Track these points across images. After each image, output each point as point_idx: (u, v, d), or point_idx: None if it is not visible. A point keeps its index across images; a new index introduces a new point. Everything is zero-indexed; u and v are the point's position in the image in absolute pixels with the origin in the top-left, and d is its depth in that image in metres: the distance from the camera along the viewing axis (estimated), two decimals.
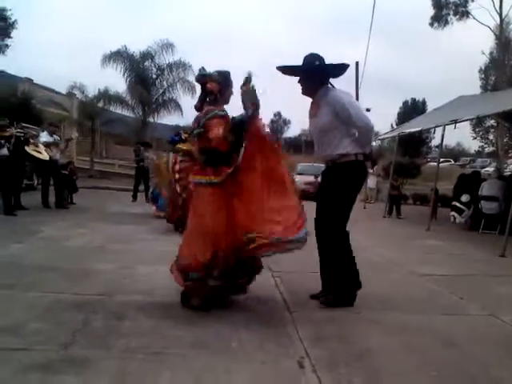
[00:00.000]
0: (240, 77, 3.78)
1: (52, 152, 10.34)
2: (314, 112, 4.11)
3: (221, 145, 3.62)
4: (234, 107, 3.79)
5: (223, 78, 3.82)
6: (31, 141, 9.77)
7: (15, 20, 22.80)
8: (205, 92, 3.84)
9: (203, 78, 3.82)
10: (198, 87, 3.91)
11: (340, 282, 3.94)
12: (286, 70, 4.17)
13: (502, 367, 2.84)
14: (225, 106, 3.85)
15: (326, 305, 3.89)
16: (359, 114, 3.94)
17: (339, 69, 4.15)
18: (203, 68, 3.88)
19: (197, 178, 3.78)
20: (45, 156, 9.97)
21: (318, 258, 4.07)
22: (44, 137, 10.47)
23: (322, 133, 4.05)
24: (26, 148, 9.49)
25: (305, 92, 4.14)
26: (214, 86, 3.75)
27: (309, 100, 4.17)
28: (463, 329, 3.55)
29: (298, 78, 4.12)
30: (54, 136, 10.87)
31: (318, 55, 4.07)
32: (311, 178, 19.87)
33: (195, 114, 3.87)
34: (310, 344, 3.04)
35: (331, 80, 4.13)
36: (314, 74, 4.03)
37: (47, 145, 10.26)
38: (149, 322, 3.32)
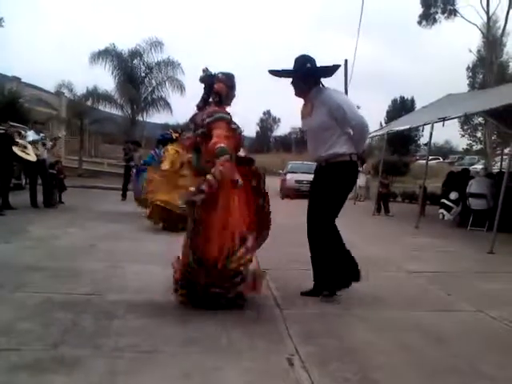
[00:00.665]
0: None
1: (39, 150, 10.28)
2: (307, 112, 4.13)
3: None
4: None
5: (229, 80, 3.89)
6: (19, 141, 9.68)
7: (1, 18, 22.48)
8: (209, 92, 3.89)
9: (211, 78, 3.88)
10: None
11: (332, 275, 3.98)
12: (278, 74, 4.24)
13: (490, 362, 2.87)
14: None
15: (326, 301, 3.94)
16: (354, 113, 3.99)
17: (330, 71, 4.22)
18: (207, 68, 3.95)
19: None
20: (32, 157, 9.90)
21: (310, 255, 4.11)
22: (31, 135, 10.41)
23: (316, 132, 4.08)
24: (14, 149, 9.41)
25: (297, 93, 4.19)
26: (222, 88, 3.82)
27: (298, 98, 4.20)
28: (452, 325, 3.58)
29: (290, 78, 4.17)
30: (41, 134, 10.79)
31: (309, 57, 4.11)
32: (302, 176, 19.99)
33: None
34: (300, 341, 3.05)
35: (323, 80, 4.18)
36: (306, 77, 4.08)
37: (34, 143, 10.19)
38: (138, 321, 3.31)
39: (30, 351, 2.69)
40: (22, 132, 10.80)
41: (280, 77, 4.29)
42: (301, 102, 4.24)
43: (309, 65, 4.08)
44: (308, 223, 4.11)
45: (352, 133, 4.01)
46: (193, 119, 3.92)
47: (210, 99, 3.90)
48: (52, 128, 23.02)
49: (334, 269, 3.98)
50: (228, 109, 3.92)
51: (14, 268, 4.62)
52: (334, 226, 4.02)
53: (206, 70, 3.94)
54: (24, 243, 6.06)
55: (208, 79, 3.91)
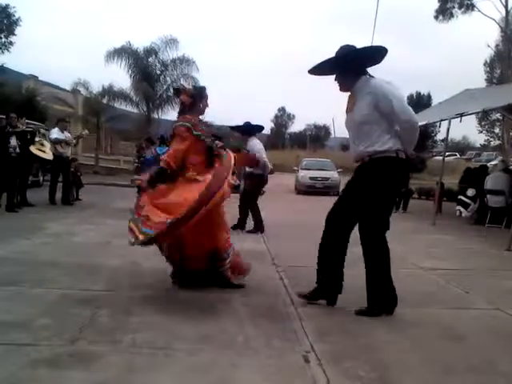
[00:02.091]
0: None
1: (63, 149, 10.35)
2: (350, 106, 3.71)
3: (171, 161, 3.99)
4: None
5: (197, 92, 4.22)
6: (37, 140, 9.74)
7: (19, 17, 22.74)
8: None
9: (177, 91, 4.32)
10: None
11: (380, 294, 3.57)
12: (320, 69, 3.82)
13: (508, 361, 2.84)
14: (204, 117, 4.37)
15: (366, 315, 3.54)
16: (403, 106, 3.51)
17: (376, 53, 3.74)
18: (182, 84, 4.46)
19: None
20: (49, 155, 9.97)
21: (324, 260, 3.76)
22: (55, 133, 10.42)
23: (358, 126, 3.62)
24: (31, 148, 9.46)
25: (342, 87, 3.78)
26: (185, 99, 4.17)
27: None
28: (469, 323, 3.55)
29: (333, 76, 3.79)
30: (65, 133, 10.74)
31: (352, 45, 3.72)
32: (316, 173, 19.93)
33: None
34: (316, 338, 3.06)
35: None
36: (349, 64, 3.64)
37: (58, 142, 10.26)
38: (155, 317, 3.34)
39: (48, 347, 2.74)
40: (41, 130, 10.87)
41: (321, 74, 3.90)
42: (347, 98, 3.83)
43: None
44: (333, 225, 3.68)
45: (399, 130, 3.53)
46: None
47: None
48: (69, 126, 23.22)
49: (382, 288, 3.56)
50: (201, 117, 4.29)
51: (32, 264, 4.68)
52: (385, 240, 3.57)
53: (178, 85, 4.49)
54: (42, 240, 6.14)
55: (177, 93, 4.40)
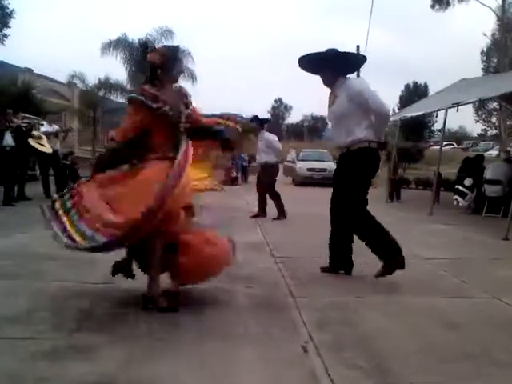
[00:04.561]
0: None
1: (52, 142, 10.38)
2: (331, 101, 4.35)
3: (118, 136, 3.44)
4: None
5: (170, 51, 3.48)
6: (34, 133, 9.75)
7: (13, 9, 22.60)
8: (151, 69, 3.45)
9: (146, 53, 3.59)
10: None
11: (385, 249, 4.19)
12: (307, 65, 4.47)
13: (504, 349, 2.85)
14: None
15: (382, 275, 4.16)
16: (375, 98, 4.14)
17: (357, 60, 4.63)
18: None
19: None
20: (47, 148, 9.99)
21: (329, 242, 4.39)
22: (44, 127, 10.52)
23: (338, 119, 4.31)
24: (30, 141, 9.49)
25: (325, 82, 4.42)
26: (155, 58, 3.40)
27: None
28: (466, 311, 3.57)
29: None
30: (54, 126, 10.93)
31: (337, 49, 4.33)
32: (314, 164, 19.93)
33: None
34: (314, 328, 3.07)
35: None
36: (335, 63, 4.26)
37: (47, 134, 10.28)
38: (153, 308, 3.34)
39: (47, 340, 2.74)
40: (37, 123, 10.89)
41: (307, 70, 4.53)
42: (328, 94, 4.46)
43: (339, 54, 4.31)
44: (334, 212, 4.36)
45: (373, 120, 4.16)
46: None
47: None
48: (65, 119, 23.16)
49: (384, 244, 4.20)
50: (175, 85, 3.55)
51: (30, 257, 4.68)
52: (367, 212, 4.24)
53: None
54: (39, 233, 6.11)
55: (145, 55, 3.66)
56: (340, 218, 4.31)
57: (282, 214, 8.36)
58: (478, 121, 36.91)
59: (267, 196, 8.61)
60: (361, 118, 4.16)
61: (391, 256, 4.16)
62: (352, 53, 4.54)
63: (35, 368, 2.40)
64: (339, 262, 4.39)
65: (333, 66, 4.28)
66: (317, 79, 4.46)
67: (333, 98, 4.32)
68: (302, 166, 19.99)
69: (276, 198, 8.49)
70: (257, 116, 8.67)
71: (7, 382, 2.27)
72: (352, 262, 4.39)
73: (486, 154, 20.82)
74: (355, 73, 4.92)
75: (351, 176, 4.19)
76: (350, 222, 4.26)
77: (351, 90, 4.16)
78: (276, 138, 8.85)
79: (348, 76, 4.38)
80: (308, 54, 4.36)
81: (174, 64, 3.46)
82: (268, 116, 9.45)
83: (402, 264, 4.16)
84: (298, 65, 4.47)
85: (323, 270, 4.43)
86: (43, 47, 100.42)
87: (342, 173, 4.32)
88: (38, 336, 2.79)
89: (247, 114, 8.07)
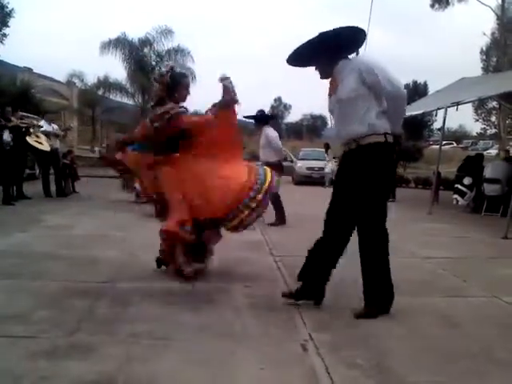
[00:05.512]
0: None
1: (51, 140, 10.37)
2: (332, 88, 3.47)
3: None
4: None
5: (172, 80, 4.04)
6: (32, 131, 9.75)
7: (12, 9, 22.57)
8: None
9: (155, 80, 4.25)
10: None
11: (379, 290, 3.36)
12: (297, 58, 3.57)
13: (504, 348, 2.86)
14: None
15: (364, 317, 3.28)
16: (389, 77, 3.25)
17: (354, 34, 3.44)
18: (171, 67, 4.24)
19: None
20: (46, 147, 9.97)
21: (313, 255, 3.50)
22: (44, 125, 10.48)
23: (344, 106, 3.34)
24: (28, 139, 9.48)
25: (322, 74, 3.54)
26: (157, 87, 4.12)
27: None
28: (466, 310, 3.58)
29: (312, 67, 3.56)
30: (53, 125, 10.91)
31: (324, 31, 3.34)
32: (313, 163, 19.92)
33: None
34: (314, 327, 3.07)
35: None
36: (325, 47, 3.36)
37: (46, 134, 10.27)
38: (153, 308, 3.35)
39: (47, 339, 2.74)
40: (35, 122, 10.89)
41: (299, 66, 3.69)
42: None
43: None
44: (331, 226, 3.41)
45: (385, 104, 3.29)
46: None
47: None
48: (64, 118, 23.16)
49: (381, 283, 3.35)
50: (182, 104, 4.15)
51: (30, 257, 4.68)
52: (386, 231, 3.35)
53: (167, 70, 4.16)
54: (39, 232, 6.14)
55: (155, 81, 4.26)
56: (338, 235, 3.39)
57: (280, 219, 7.76)
58: (477, 120, 36.91)
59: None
60: (372, 104, 3.26)
61: (382, 302, 3.37)
62: (345, 27, 3.29)
63: (35, 367, 2.40)
64: (311, 287, 3.48)
65: (326, 50, 3.38)
66: (317, 79, 3.60)
67: (334, 85, 3.43)
68: (301, 165, 20.01)
69: (276, 201, 7.72)
70: (263, 111, 8.34)
71: (8, 380, 2.28)
72: (324, 292, 3.51)
73: (485, 152, 20.80)
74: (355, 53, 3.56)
75: (365, 180, 3.23)
76: (365, 239, 3.32)
77: (359, 67, 3.26)
78: (276, 134, 8.53)
79: (349, 57, 3.47)
80: (294, 51, 3.46)
81: (176, 90, 4.07)
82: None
83: (388, 310, 3.40)
84: (287, 64, 3.64)
85: (284, 295, 3.56)
86: (43, 46, 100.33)
87: (351, 177, 3.31)
88: (38, 335, 2.80)
89: (247, 113, 7.77)
